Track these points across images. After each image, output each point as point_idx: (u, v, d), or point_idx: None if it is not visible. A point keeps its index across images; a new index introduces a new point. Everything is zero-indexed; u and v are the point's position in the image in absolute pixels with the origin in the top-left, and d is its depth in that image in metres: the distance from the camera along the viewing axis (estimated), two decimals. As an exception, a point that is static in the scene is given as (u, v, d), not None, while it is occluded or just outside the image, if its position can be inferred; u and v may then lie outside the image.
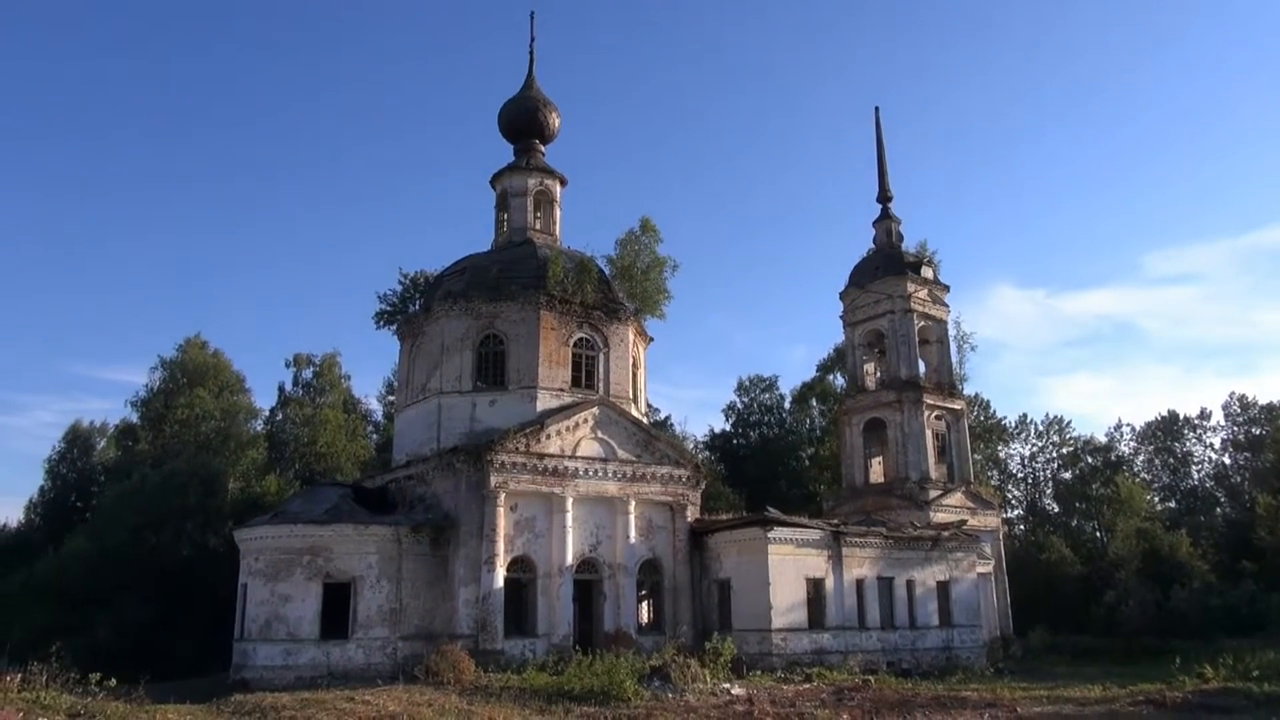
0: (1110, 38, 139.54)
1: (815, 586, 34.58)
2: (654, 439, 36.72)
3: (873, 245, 52.07)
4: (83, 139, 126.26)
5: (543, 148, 42.46)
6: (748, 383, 70.71)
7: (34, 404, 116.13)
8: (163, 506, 44.30)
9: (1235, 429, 71.93)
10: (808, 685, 28.59)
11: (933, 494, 44.81)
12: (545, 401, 34.79)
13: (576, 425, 34.50)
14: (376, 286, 59.79)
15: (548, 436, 33.71)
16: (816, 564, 34.78)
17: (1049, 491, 75.45)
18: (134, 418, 58.50)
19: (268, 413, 60.79)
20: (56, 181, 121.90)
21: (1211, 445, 73.38)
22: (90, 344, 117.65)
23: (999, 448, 73.49)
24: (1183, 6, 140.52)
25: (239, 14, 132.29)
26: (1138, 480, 69.01)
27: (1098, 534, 68.56)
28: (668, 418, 65.92)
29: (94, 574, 42.68)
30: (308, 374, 62.43)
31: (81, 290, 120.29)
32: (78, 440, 63.14)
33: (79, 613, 40.50)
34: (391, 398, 57.19)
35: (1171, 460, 74.36)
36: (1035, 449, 75.57)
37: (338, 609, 30.92)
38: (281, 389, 61.87)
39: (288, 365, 62.43)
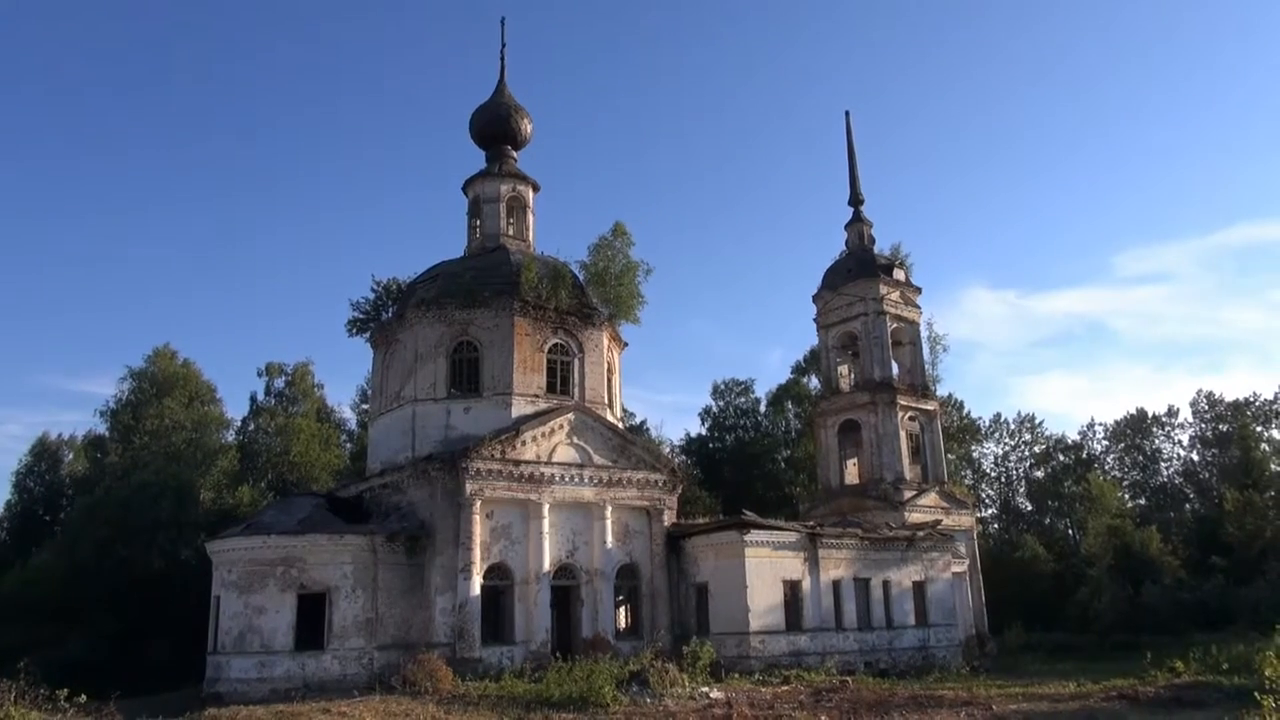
0: (1081, 42, 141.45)
1: (792, 589, 34.69)
2: (630, 444, 36.70)
3: (845, 248, 52.35)
4: (54, 150, 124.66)
5: (515, 153, 42.44)
6: (723, 386, 70.86)
7: (2, 417, 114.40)
8: (133, 518, 43.73)
9: (1203, 426, 72.96)
10: (786, 687, 28.66)
11: (907, 494, 45.06)
12: (520, 408, 34.68)
13: (552, 431, 34.41)
14: (349, 294, 59.43)
15: (523, 443, 33.61)
16: (793, 566, 34.90)
17: (1022, 490, 76.23)
18: (103, 429, 57.76)
19: (240, 423, 60.21)
20: (26, 192, 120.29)
21: (1180, 442, 74.45)
22: (59, 356, 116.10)
23: (972, 447, 74.15)
24: (1152, 11, 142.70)
25: (207, 25, 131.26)
26: (1108, 478, 69.82)
27: (1070, 532, 69.33)
28: (643, 422, 65.97)
29: (63, 588, 42.09)
30: (280, 383, 61.82)
31: (50, 301, 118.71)
32: (45, 453, 62.28)
33: (49, 627, 39.92)
34: (365, 406, 56.83)
35: (1141, 458, 75.31)
36: (1008, 448, 76.37)
37: (312, 620, 30.64)
38: (253, 398, 61.26)
39: (260, 374, 61.83)
